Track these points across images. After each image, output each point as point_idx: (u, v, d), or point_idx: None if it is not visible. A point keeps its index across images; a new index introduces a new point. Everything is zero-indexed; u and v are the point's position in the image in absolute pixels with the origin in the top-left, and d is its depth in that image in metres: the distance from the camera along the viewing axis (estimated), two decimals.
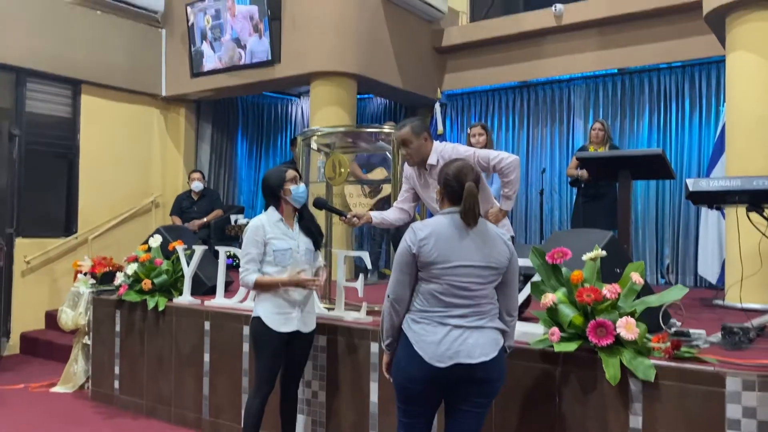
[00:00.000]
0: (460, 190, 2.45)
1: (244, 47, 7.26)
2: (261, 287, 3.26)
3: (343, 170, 4.29)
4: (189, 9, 7.60)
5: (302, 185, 3.36)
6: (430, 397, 2.46)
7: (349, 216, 3.55)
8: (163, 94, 8.16)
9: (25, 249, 6.83)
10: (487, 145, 5.30)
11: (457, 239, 2.43)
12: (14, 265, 6.69)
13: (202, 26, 7.54)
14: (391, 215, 3.66)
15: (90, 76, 7.41)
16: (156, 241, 4.88)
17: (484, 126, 5.57)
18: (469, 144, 5.21)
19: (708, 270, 6.11)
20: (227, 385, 4.16)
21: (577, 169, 6.28)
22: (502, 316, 2.54)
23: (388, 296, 2.50)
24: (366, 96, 8.89)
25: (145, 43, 7.95)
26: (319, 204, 3.70)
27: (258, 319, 3.28)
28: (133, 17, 7.81)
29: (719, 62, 6.47)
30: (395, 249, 3.14)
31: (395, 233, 3.78)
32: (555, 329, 2.85)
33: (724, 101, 5.66)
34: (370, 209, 6.07)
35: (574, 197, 6.82)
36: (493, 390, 2.48)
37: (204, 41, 7.58)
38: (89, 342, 5.17)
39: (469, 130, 5.71)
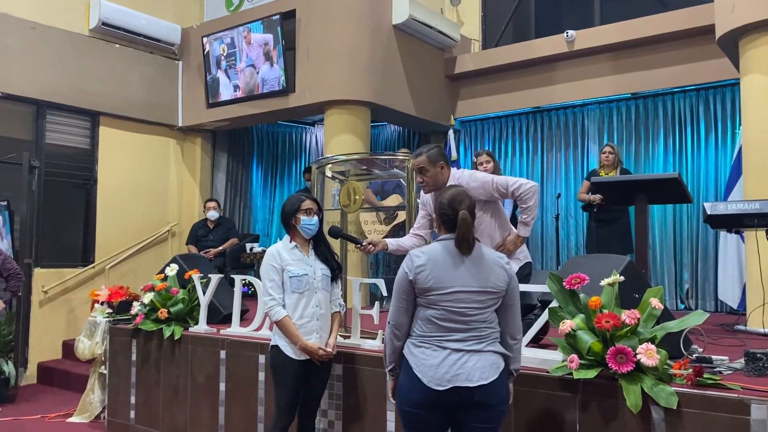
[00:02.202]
0: (455, 218, 2.48)
1: (257, 74, 7.37)
2: (283, 328, 3.24)
3: (357, 197, 4.30)
4: (205, 39, 7.75)
5: (315, 218, 3.35)
6: (432, 422, 2.46)
7: (364, 243, 3.55)
8: (180, 124, 8.27)
9: (43, 279, 6.89)
10: (495, 171, 5.32)
11: (452, 265, 2.46)
12: (32, 294, 6.75)
13: (218, 54, 7.67)
14: (406, 242, 3.65)
15: (108, 107, 7.54)
16: (172, 270, 4.90)
17: (490, 153, 5.58)
18: None
19: (728, 295, 6.02)
20: (243, 415, 4.13)
21: (589, 194, 6.29)
22: (504, 339, 2.54)
23: (389, 322, 2.55)
24: (380, 123, 8.95)
25: (161, 75, 8.09)
26: (334, 232, 3.70)
27: (277, 347, 3.27)
28: (151, 50, 7.96)
29: (734, 85, 6.45)
30: None
31: None
32: (574, 356, 2.81)
33: (740, 124, 5.63)
34: (386, 236, 6.06)
35: (587, 222, 6.80)
36: (496, 415, 2.46)
37: (219, 69, 7.70)
38: (105, 371, 5.17)
39: (475, 158, 5.72)
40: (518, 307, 2.59)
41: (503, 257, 2.60)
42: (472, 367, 2.39)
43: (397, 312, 2.53)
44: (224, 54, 7.61)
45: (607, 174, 6.29)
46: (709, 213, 4.53)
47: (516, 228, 3.63)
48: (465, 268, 2.46)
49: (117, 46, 7.63)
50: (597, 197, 6.19)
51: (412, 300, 2.50)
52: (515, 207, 5.69)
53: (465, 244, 2.45)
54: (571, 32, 7.07)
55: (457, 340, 2.43)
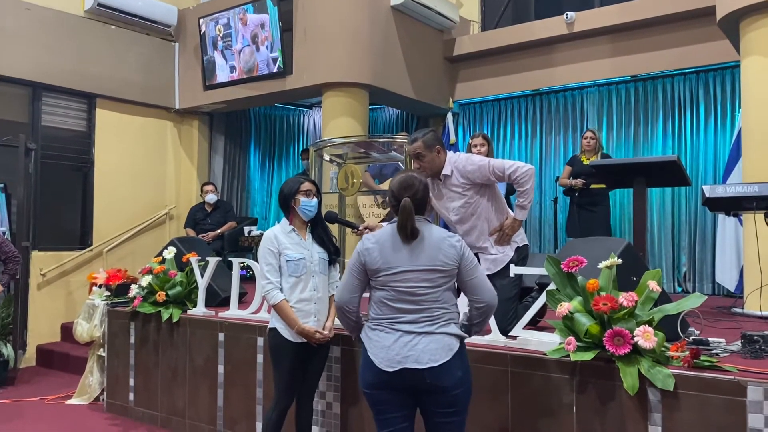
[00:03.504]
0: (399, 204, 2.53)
1: (253, 55, 7.33)
2: (280, 312, 3.24)
3: (355, 181, 4.30)
4: (201, 20, 7.68)
5: (314, 200, 3.34)
6: (393, 403, 2.50)
7: (360, 228, 3.54)
8: (177, 107, 8.23)
9: (41, 262, 6.88)
10: (489, 155, 5.30)
11: (398, 246, 2.52)
12: (30, 277, 6.74)
13: (214, 35, 7.61)
14: None
15: (105, 90, 7.49)
16: (170, 252, 4.90)
17: (485, 136, 5.57)
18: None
19: (726, 277, 6.04)
20: (242, 397, 4.15)
21: (570, 178, 6.36)
22: (473, 308, 2.58)
23: (335, 300, 2.68)
24: (378, 106, 8.90)
25: (158, 56, 8.03)
26: (330, 218, 3.69)
27: (275, 330, 3.27)
28: (147, 31, 7.90)
29: (734, 67, 6.42)
30: None
31: None
32: (571, 338, 2.82)
33: (739, 107, 5.61)
34: (383, 219, 6.06)
35: (568, 206, 6.81)
36: (453, 400, 2.47)
37: (215, 50, 7.64)
38: (104, 354, 5.19)
39: (470, 140, 5.72)
40: (482, 277, 2.57)
41: (454, 236, 2.61)
42: (423, 349, 2.43)
43: (344, 289, 2.63)
44: (220, 35, 7.55)
45: (589, 159, 6.35)
46: (707, 196, 4.53)
47: (512, 211, 3.62)
48: (410, 249, 2.51)
49: (113, 27, 7.56)
50: (578, 182, 6.28)
51: (362, 279, 2.59)
52: (508, 191, 5.69)
53: (403, 231, 2.50)
54: (570, 14, 7.02)
55: (409, 321, 2.47)
